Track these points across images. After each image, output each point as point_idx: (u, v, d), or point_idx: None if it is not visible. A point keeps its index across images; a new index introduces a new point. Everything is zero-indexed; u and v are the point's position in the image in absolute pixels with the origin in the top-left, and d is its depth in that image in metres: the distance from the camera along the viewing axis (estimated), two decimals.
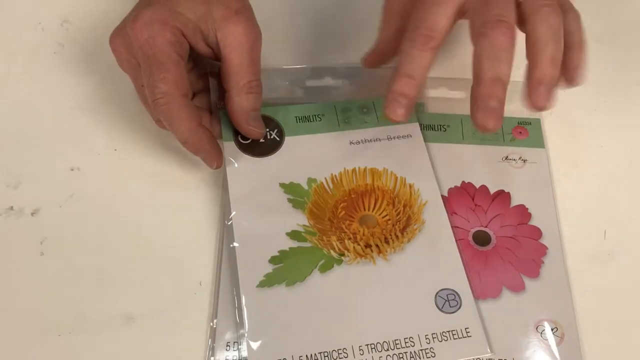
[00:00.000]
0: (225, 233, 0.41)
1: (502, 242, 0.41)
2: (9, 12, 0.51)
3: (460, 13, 0.39)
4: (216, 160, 0.42)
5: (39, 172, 0.44)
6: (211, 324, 0.38)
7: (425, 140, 0.45)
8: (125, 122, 0.46)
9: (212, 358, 0.37)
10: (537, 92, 0.37)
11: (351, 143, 0.45)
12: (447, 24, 0.39)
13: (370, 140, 0.45)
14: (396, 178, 0.43)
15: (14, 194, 0.43)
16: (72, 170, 0.44)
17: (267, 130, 0.44)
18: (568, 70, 0.39)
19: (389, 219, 0.42)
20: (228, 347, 0.37)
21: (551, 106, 0.37)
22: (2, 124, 0.46)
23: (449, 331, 0.38)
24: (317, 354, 0.37)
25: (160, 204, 0.43)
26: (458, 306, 0.39)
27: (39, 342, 0.38)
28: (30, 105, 0.47)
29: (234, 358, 0.37)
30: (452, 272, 0.40)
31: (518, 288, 0.39)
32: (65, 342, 0.38)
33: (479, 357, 0.37)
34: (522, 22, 0.38)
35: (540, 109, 0.37)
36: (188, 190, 0.44)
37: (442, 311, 0.38)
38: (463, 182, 0.43)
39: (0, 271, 0.40)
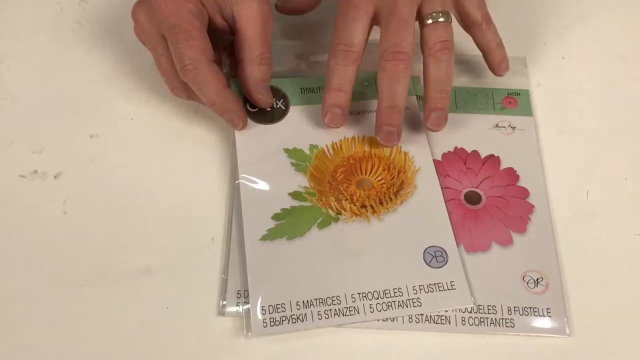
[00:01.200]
0: (235, 193, 0.43)
1: (491, 201, 0.43)
2: None
3: (375, 21, 0.43)
4: (242, 120, 0.44)
5: (61, 139, 0.46)
6: (223, 275, 0.40)
7: (421, 110, 0.47)
8: (141, 94, 0.48)
9: (223, 302, 0.39)
10: (431, 118, 0.43)
11: (352, 113, 0.47)
12: (363, 36, 0.43)
13: (370, 111, 0.47)
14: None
15: (38, 159, 0.45)
16: (92, 137, 0.46)
17: (275, 100, 0.46)
18: (495, 68, 0.47)
19: (384, 183, 0.44)
20: (239, 295, 0.40)
21: (444, 126, 0.44)
22: (26, 96, 0.48)
23: (435, 283, 0.40)
24: (312, 300, 0.39)
25: (174, 167, 0.45)
26: (444, 262, 0.41)
27: (64, 292, 0.40)
28: (52, 80, 0.49)
29: (244, 305, 0.39)
30: (440, 231, 0.42)
31: (506, 242, 0.42)
32: (88, 292, 0.40)
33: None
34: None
35: (435, 130, 0.44)
36: (200, 154, 0.46)
37: (429, 266, 0.41)
38: (456, 147, 0.46)
39: (27, 228, 0.42)
